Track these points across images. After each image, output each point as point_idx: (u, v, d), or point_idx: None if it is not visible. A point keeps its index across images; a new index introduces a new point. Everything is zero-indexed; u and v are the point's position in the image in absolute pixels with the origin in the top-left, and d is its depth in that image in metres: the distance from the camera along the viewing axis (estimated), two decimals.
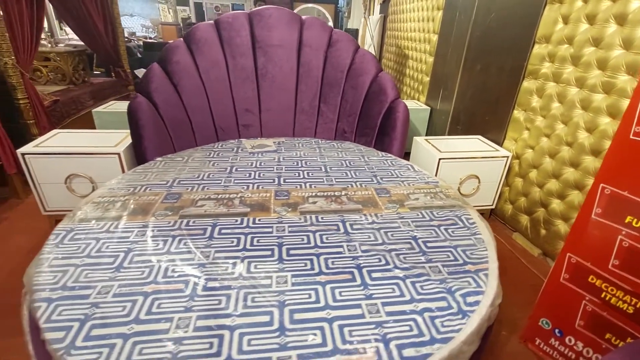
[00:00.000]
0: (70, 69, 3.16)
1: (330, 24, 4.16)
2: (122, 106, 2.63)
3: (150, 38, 8.64)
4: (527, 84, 1.87)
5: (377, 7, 4.88)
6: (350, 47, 2.11)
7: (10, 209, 2.11)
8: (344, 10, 9.40)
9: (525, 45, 1.85)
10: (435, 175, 1.95)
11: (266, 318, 0.89)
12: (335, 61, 2.12)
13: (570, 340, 1.21)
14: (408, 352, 0.82)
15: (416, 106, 2.96)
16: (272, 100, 2.15)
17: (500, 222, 2.15)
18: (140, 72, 4.40)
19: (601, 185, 1.04)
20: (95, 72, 3.88)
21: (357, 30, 5.96)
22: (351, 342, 0.83)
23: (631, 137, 0.96)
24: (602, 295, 1.09)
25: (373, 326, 0.88)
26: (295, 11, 2.20)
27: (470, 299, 0.99)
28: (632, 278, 1.02)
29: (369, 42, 4.63)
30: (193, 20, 8.13)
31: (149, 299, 0.93)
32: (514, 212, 2.02)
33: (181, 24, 8.78)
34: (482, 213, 2.18)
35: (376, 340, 0.84)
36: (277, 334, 0.85)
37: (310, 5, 7.65)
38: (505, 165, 2.00)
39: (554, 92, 1.72)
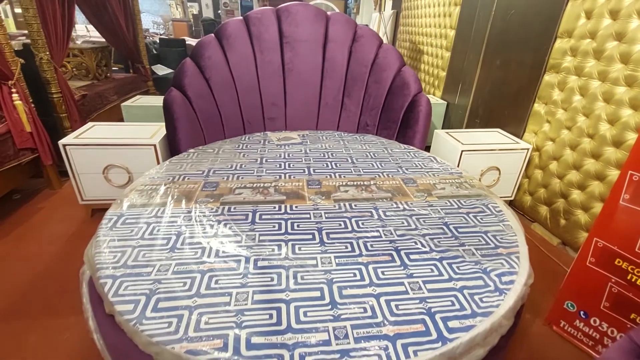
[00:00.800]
0: (94, 64, 3.25)
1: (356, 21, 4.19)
2: (147, 100, 2.71)
3: (160, 34, 8.72)
4: (549, 77, 1.91)
5: (390, 3, 4.91)
6: (375, 42, 2.17)
7: (46, 199, 2.20)
8: (352, 7, 9.41)
9: (547, 40, 1.89)
10: (457, 166, 2.00)
11: (317, 293, 0.97)
12: (360, 56, 2.18)
13: (595, 321, 1.27)
14: (452, 323, 0.88)
15: (433, 100, 3.00)
16: (298, 94, 2.21)
17: (519, 213, 2.21)
18: (157, 69, 4.49)
19: (630, 172, 1.10)
20: (113, 69, 3.95)
21: (366, 26, 5.99)
22: (399, 315, 0.90)
23: None
24: (628, 277, 1.15)
25: (417, 301, 0.95)
26: (316, 6, 2.25)
27: (505, 279, 1.05)
28: None
29: (382, 38, 4.66)
30: (210, 15, 8.17)
31: (206, 276, 1.01)
32: (533, 203, 2.07)
33: (192, 20, 8.84)
34: None
35: (421, 313, 0.91)
36: (329, 307, 0.92)
37: (319, 0, 7.68)
38: (525, 157, 2.05)
39: (575, 85, 1.76)
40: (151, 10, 11.23)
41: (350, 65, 2.19)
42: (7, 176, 1.98)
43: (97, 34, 4.35)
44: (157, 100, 2.68)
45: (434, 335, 0.85)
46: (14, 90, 1.94)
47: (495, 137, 2.17)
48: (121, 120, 2.62)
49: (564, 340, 1.38)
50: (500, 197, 2.24)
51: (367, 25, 6.19)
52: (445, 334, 0.86)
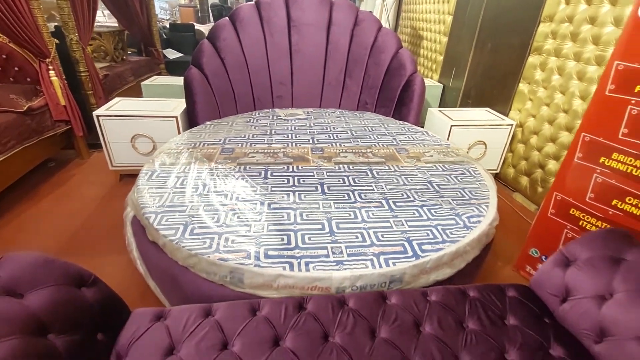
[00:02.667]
0: (112, 47, 3.46)
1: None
2: (164, 80, 2.93)
3: (167, 20, 8.84)
4: (532, 59, 2.10)
5: None
6: (374, 26, 2.36)
7: (77, 167, 2.45)
8: None
9: (532, 25, 2.08)
10: (447, 139, 2.21)
11: (319, 226, 1.21)
12: (360, 39, 2.37)
13: None
14: (425, 247, 1.12)
15: (430, 83, 3.19)
16: (303, 74, 2.42)
17: (503, 185, 2.42)
18: (168, 52, 4.68)
19: (582, 134, 1.31)
20: (127, 52, 4.15)
21: (370, 13, 6.11)
22: (383, 241, 1.14)
23: (606, 93, 1.22)
24: (580, 223, 1.37)
25: (399, 233, 1.19)
26: None
27: (473, 220, 1.29)
28: (603, 207, 1.29)
29: (384, 24, 4.80)
30: (216, 0, 8.29)
31: (229, 213, 1.25)
32: (516, 175, 2.29)
33: (198, 6, 8.95)
34: None
35: (401, 240, 1.15)
36: (328, 235, 1.16)
37: None
38: (509, 133, 2.26)
39: (554, 65, 1.96)
40: None
41: (351, 47, 2.39)
42: (44, 145, 2.23)
43: (111, 20, 4.56)
44: (173, 80, 2.90)
45: (410, 254, 1.09)
46: (51, 67, 2.17)
47: (483, 115, 2.37)
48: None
49: (527, 281, 1.61)
50: (487, 170, 2.47)
51: (371, 11, 6.31)
52: (419, 253, 1.10)
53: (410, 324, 0.89)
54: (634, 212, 1.22)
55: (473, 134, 2.25)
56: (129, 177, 2.25)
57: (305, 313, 0.90)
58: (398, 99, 2.37)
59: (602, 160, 1.27)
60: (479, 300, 0.97)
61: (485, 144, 2.28)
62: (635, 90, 1.15)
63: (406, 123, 2.29)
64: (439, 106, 3.20)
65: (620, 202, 1.25)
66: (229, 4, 8.83)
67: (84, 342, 0.74)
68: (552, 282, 0.99)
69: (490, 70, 2.49)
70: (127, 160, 2.18)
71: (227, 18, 2.20)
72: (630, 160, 1.20)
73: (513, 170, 2.32)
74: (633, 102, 1.16)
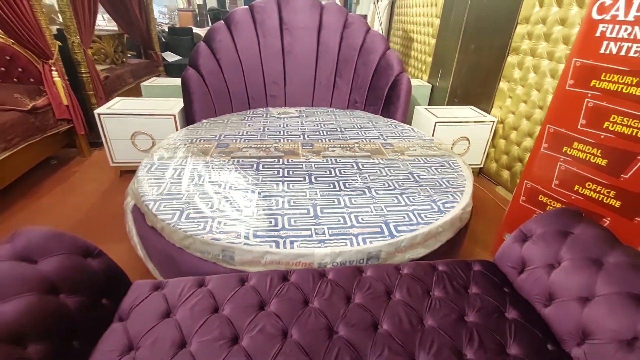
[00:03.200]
0: (111, 50, 3.57)
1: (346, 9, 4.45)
2: (162, 81, 3.03)
3: (165, 24, 8.97)
4: (511, 59, 2.22)
5: None
6: (363, 28, 2.48)
7: (79, 164, 2.55)
8: None
9: (510, 26, 2.20)
10: (432, 135, 2.32)
11: (304, 211, 1.31)
12: (350, 41, 2.49)
13: None
14: (401, 228, 1.23)
15: (419, 84, 3.31)
16: (295, 74, 2.53)
17: (487, 179, 2.53)
18: (167, 55, 4.80)
19: (547, 126, 1.42)
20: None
21: (365, 16, 6.25)
22: (363, 223, 1.25)
23: (567, 88, 1.33)
24: (547, 209, 1.48)
25: (378, 217, 1.30)
26: None
27: (447, 205, 1.39)
28: (567, 192, 1.41)
29: (377, 27, 4.94)
30: (214, 4, 8.44)
31: (223, 200, 1.36)
32: (498, 169, 2.40)
33: (196, 10, 9.09)
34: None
35: (380, 223, 1.26)
36: (313, 218, 1.27)
37: None
38: (491, 129, 2.37)
39: (530, 64, 2.07)
40: (157, 0, 11.45)
41: (341, 49, 2.51)
42: (47, 143, 2.33)
43: (111, 24, 4.67)
44: (171, 81, 3.00)
45: (386, 234, 1.20)
46: (53, 68, 2.28)
47: (467, 112, 2.49)
48: None
49: None
50: (471, 165, 2.59)
51: (366, 15, 6.45)
52: (395, 233, 1.20)
53: (382, 292, 0.99)
54: (593, 196, 1.33)
55: (457, 130, 2.36)
56: (129, 173, 2.36)
57: (288, 283, 1.00)
58: (386, 97, 2.49)
59: (564, 149, 1.38)
60: (446, 273, 1.07)
61: (468, 139, 2.39)
62: (591, 85, 1.26)
63: (393, 120, 2.40)
64: (428, 105, 3.32)
65: (581, 188, 1.36)
66: (227, 8, 8.98)
67: (91, 303, 0.84)
68: (512, 256, 1.09)
69: (474, 70, 2.61)
70: (127, 156, 2.29)
71: (222, 21, 2.31)
72: (588, 149, 1.31)
73: (495, 165, 2.43)
74: (589, 95, 1.27)
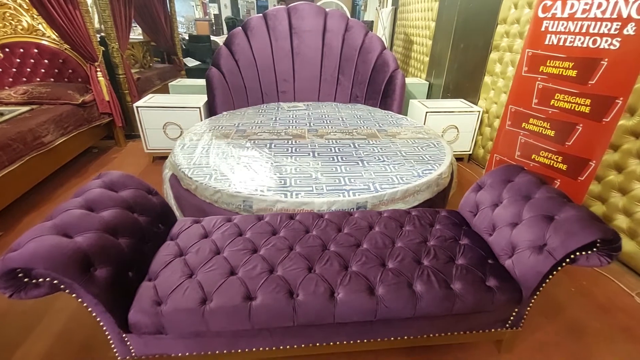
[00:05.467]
0: (141, 56, 4.00)
1: (348, 16, 4.80)
2: (187, 82, 3.42)
3: (183, 32, 9.55)
4: (493, 55, 2.51)
5: (390, 0, 5.51)
6: (362, 31, 2.81)
7: (116, 152, 2.95)
8: (361, 4, 10.05)
9: (492, 26, 2.49)
10: (424, 124, 2.62)
11: (308, 175, 1.63)
12: (351, 42, 2.82)
13: None
14: (384, 187, 1.53)
15: (417, 81, 3.60)
16: (303, 72, 2.88)
17: (476, 164, 2.80)
18: (187, 61, 5.24)
19: (510, 106, 1.71)
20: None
21: (372, 22, 6.61)
22: (354, 183, 1.56)
23: (523, 74, 1.62)
24: None
25: (367, 179, 1.61)
26: (317, 4, 2.89)
27: (426, 172, 1.69)
28: (526, 161, 1.68)
29: (380, 32, 5.28)
30: (229, 13, 8.98)
31: (243, 167, 1.69)
32: (484, 154, 2.67)
33: (212, 20, 9.63)
34: (461, 158, 2.86)
35: (368, 183, 1.56)
36: (315, 180, 1.59)
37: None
38: (478, 118, 2.65)
39: (509, 59, 2.36)
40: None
41: (343, 49, 2.84)
42: (92, 133, 2.73)
43: (134, 35, 5.14)
44: (193, 82, 3.38)
45: (372, 190, 1.50)
46: (98, 69, 2.68)
47: (456, 104, 2.77)
48: None
49: None
50: (462, 151, 2.87)
51: (372, 21, 6.80)
52: (379, 189, 1.51)
53: (365, 226, 1.30)
54: (546, 162, 1.61)
55: (446, 120, 2.65)
56: (160, 159, 2.73)
57: (294, 220, 1.32)
58: (383, 91, 2.80)
59: (523, 125, 1.67)
60: (417, 216, 1.37)
61: (457, 128, 2.68)
62: (540, 70, 1.55)
63: (390, 112, 2.71)
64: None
65: (537, 156, 1.64)
66: (241, 17, 9.49)
67: (153, 223, 1.18)
68: (469, 202, 1.39)
69: (463, 67, 2.90)
70: (159, 144, 2.66)
71: (240, 27, 2.68)
72: (541, 123, 1.59)
73: (482, 151, 2.70)
74: (539, 79, 1.56)
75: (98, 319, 0.95)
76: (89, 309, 0.93)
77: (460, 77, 2.97)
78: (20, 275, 0.84)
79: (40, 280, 0.85)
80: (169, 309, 0.95)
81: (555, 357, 1.27)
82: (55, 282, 0.86)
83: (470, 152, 2.82)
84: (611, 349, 1.30)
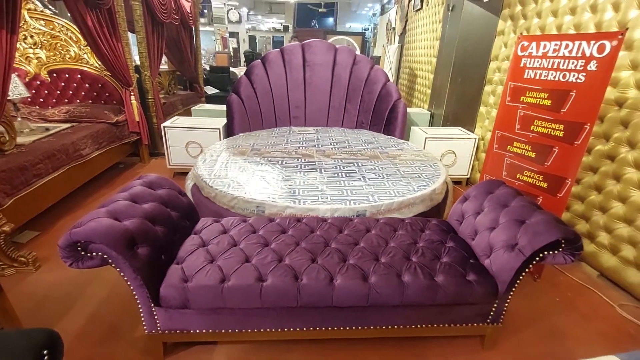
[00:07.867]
0: (167, 83, 4.41)
1: (358, 52, 5.22)
2: (207, 107, 3.76)
3: (204, 64, 10.25)
4: (487, 88, 2.76)
5: (397, 38, 5.95)
6: (368, 64, 3.12)
7: (141, 168, 3.22)
8: (370, 41, 10.72)
9: (486, 62, 2.76)
10: (423, 148, 2.83)
11: (315, 186, 1.84)
12: (357, 74, 3.12)
13: None
14: (382, 198, 1.72)
15: (420, 111, 3.87)
16: (314, 100, 3.16)
17: None
18: (208, 89, 5.67)
19: (496, 131, 1.92)
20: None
21: (379, 57, 7.07)
22: (355, 195, 1.75)
23: (506, 103, 1.84)
24: None
25: (367, 192, 1.80)
26: (328, 42, 3.23)
27: (421, 187, 1.88)
28: (512, 180, 1.86)
29: (387, 67, 5.66)
30: (247, 47, 9.67)
31: (257, 179, 1.91)
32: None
33: (231, 53, 10.33)
34: (460, 181, 3.03)
35: (367, 195, 1.76)
36: (321, 191, 1.79)
37: (340, 37, 8.95)
38: (474, 144, 2.85)
39: (500, 92, 2.60)
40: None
41: (350, 80, 3.14)
42: (120, 149, 3.02)
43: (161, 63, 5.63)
44: (213, 107, 3.72)
45: (371, 200, 1.69)
46: (132, 93, 3.02)
47: (454, 131, 3.00)
48: None
49: None
50: (460, 175, 3.05)
51: (380, 56, 7.27)
52: (377, 200, 1.70)
53: (363, 229, 1.48)
54: (529, 181, 1.79)
55: (444, 145, 2.86)
56: (180, 174, 2.98)
57: (301, 223, 1.51)
58: (386, 119, 3.05)
59: (508, 147, 1.86)
60: (410, 223, 1.55)
61: (454, 153, 2.88)
62: (521, 100, 1.77)
63: (392, 137, 2.94)
64: None
65: (521, 175, 1.82)
66: (258, 51, 10.19)
67: (181, 219, 1.38)
68: (456, 212, 1.56)
69: (460, 98, 3.15)
70: (180, 161, 2.93)
71: (259, 60, 3.02)
72: (523, 146, 1.79)
73: (479, 175, 2.88)
74: (520, 107, 1.78)
75: (134, 293, 1.14)
76: (128, 283, 1.12)
77: (458, 107, 3.22)
78: (79, 248, 1.04)
79: (94, 253, 1.06)
80: (194, 285, 1.13)
81: (535, 355, 1.38)
82: (105, 256, 1.06)
83: (468, 176, 3.00)
84: (589, 351, 1.40)
